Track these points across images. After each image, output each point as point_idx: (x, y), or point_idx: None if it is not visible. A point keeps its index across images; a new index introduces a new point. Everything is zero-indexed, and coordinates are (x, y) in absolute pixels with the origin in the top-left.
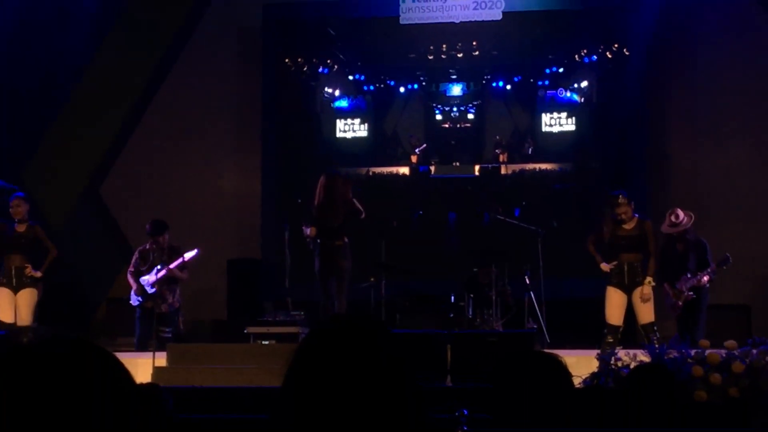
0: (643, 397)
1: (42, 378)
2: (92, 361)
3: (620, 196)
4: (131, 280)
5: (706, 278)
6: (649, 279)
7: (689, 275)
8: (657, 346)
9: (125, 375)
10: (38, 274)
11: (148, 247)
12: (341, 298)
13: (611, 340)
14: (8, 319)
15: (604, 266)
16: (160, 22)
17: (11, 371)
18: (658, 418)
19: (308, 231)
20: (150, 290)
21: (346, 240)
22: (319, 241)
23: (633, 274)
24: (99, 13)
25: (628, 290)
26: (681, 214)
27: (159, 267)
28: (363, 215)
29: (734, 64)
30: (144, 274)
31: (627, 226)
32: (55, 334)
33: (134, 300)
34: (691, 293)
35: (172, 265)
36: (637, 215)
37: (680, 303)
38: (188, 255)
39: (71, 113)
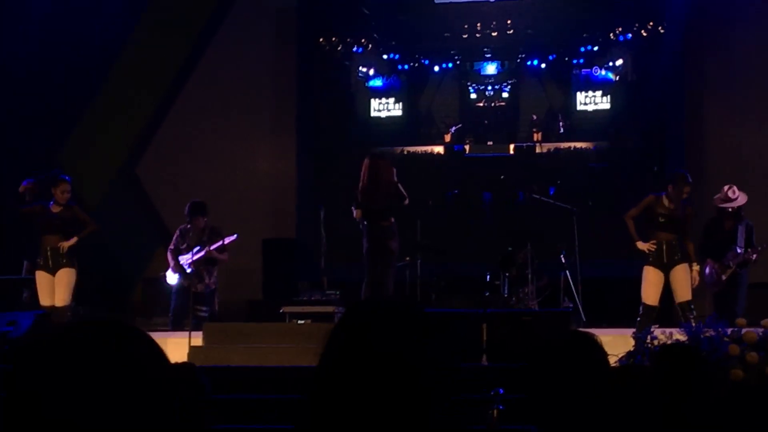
0: (670, 378)
1: (78, 358)
2: (128, 342)
3: (689, 177)
4: (170, 258)
5: (755, 256)
6: (697, 267)
7: (739, 250)
8: (693, 324)
9: (160, 355)
10: (72, 241)
11: (189, 226)
12: (388, 281)
13: (647, 320)
14: (48, 302)
15: (641, 245)
16: (196, 2)
17: (49, 351)
18: (685, 399)
19: (354, 213)
20: (188, 269)
21: (392, 221)
22: (366, 222)
23: (672, 253)
24: None
25: (666, 269)
26: (737, 191)
27: (198, 248)
28: (407, 201)
29: None
30: (183, 253)
31: (670, 205)
32: (92, 314)
33: (171, 278)
34: (737, 268)
35: (212, 247)
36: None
37: (724, 278)
38: (228, 239)
39: (107, 94)
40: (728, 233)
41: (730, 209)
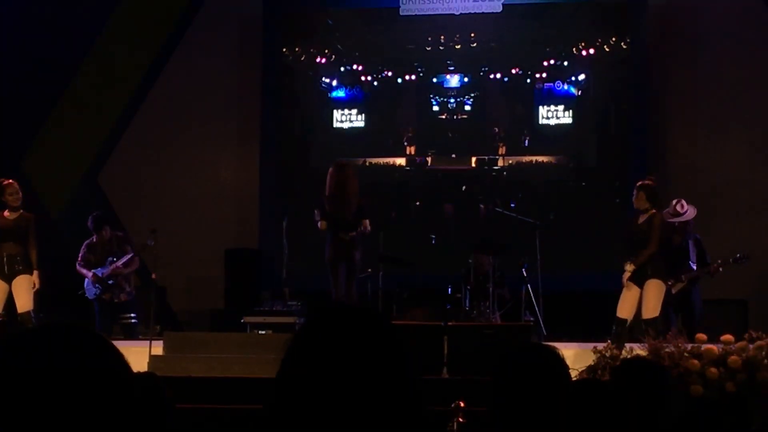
0: (632, 393)
1: (41, 365)
2: (90, 349)
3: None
4: (85, 272)
5: (721, 269)
6: (629, 265)
7: (693, 266)
8: (654, 340)
9: (123, 363)
10: (36, 284)
11: (94, 239)
12: (351, 286)
13: (618, 333)
14: None
15: (629, 266)
16: (160, 11)
17: (8, 357)
18: (647, 414)
19: (319, 224)
20: (108, 282)
21: (357, 231)
22: (330, 232)
23: (642, 268)
24: (99, 2)
25: (640, 283)
26: (686, 205)
27: (111, 258)
28: (369, 229)
29: (737, 59)
30: (95, 267)
31: (639, 221)
32: (54, 321)
33: (90, 292)
34: (689, 284)
35: (117, 263)
36: (654, 210)
37: (674, 291)
38: (121, 261)
39: (70, 101)
40: (679, 248)
41: (677, 224)
